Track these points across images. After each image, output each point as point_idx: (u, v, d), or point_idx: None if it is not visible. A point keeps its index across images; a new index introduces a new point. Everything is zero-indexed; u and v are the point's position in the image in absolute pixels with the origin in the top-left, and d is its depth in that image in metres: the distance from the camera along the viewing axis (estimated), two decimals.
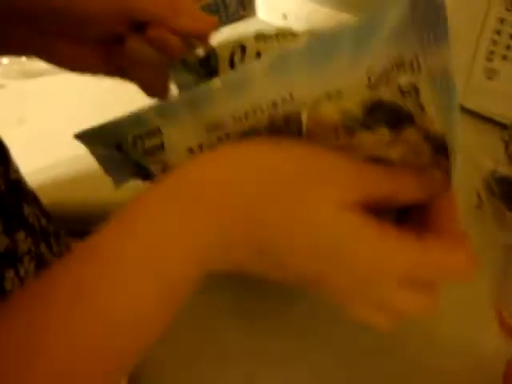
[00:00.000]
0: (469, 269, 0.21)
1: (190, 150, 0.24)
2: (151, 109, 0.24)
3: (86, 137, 0.26)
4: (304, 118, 0.22)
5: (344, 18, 0.60)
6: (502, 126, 0.49)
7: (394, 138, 0.22)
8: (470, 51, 0.48)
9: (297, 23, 0.67)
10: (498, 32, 0.46)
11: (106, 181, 0.37)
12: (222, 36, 0.79)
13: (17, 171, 0.37)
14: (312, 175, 0.21)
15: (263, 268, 0.22)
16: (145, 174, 0.27)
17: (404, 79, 0.21)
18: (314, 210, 0.20)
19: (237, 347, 0.34)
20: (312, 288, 0.23)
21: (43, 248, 0.35)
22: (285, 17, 0.68)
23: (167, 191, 0.21)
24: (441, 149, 0.22)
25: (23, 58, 0.67)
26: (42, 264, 0.34)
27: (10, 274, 0.29)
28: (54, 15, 0.29)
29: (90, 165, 0.30)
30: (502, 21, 0.46)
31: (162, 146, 0.25)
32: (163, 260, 0.19)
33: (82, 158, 0.31)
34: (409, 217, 0.24)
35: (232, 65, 0.30)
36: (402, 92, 0.22)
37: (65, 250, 0.42)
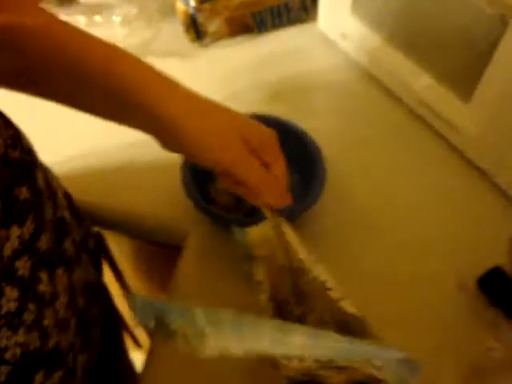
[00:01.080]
0: None
1: None
2: (202, 313, 0.27)
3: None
4: None
5: (392, 53, 0.61)
6: None
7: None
8: None
9: (350, 45, 0.69)
10: None
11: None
12: (282, 40, 0.80)
13: (64, 208, 0.41)
14: None
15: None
16: None
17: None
18: None
19: None
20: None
21: (75, 276, 0.40)
22: (343, 36, 0.69)
23: None
24: None
25: None
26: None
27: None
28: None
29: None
30: None
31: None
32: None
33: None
34: None
35: None
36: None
37: (87, 236, 0.47)
